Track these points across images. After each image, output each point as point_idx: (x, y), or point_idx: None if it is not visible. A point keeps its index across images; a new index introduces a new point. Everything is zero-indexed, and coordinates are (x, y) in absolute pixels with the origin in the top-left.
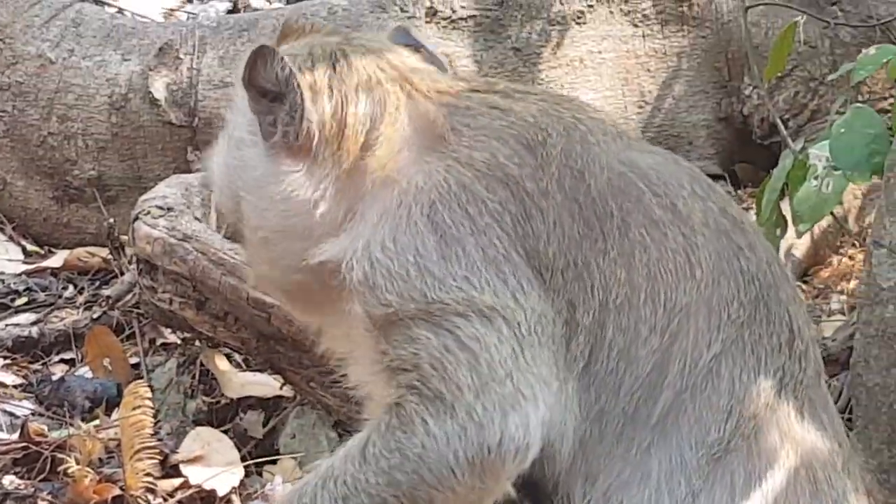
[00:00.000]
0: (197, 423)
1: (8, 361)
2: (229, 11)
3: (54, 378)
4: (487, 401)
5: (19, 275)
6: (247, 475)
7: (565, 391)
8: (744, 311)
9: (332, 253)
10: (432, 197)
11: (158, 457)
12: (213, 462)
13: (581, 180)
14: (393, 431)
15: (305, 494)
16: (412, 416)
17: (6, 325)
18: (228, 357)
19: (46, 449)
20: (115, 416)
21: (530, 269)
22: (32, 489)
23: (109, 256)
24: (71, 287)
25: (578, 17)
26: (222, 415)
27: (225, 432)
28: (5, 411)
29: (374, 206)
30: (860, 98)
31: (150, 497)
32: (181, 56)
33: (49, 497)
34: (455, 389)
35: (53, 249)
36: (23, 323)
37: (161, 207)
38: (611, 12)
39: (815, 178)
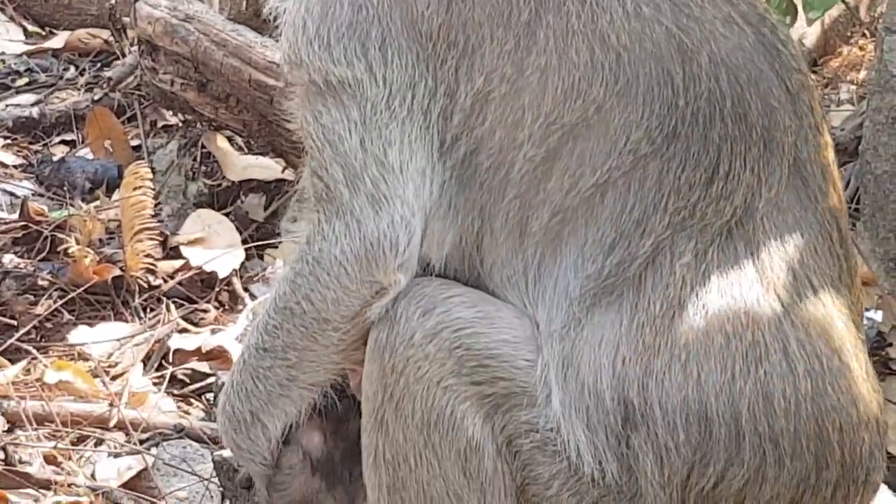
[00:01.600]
0: (198, 205)
1: (8, 142)
2: None
3: (55, 159)
4: (358, 197)
5: (20, 55)
6: (247, 258)
7: (436, 169)
8: (649, 143)
9: None
10: None
11: (159, 238)
12: (214, 244)
13: None
14: (302, 245)
15: (245, 353)
16: (316, 225)
17: (7, 106)
18: (230, 140)
19: (46, 229)
20: (115, 197)
21: (407, 36)
22: (32, 268)
23: (111, 38)
24: (72, 68)
25: None
26: (223, 197)
27: (226, 215)
28: (5, 191)
29: None
30: None
31: (150, 278)
32: None
33: (49, 276)
34: (332, 183)
35: (54, 30)
36: (23, 103)
37: None
38: None
39: None
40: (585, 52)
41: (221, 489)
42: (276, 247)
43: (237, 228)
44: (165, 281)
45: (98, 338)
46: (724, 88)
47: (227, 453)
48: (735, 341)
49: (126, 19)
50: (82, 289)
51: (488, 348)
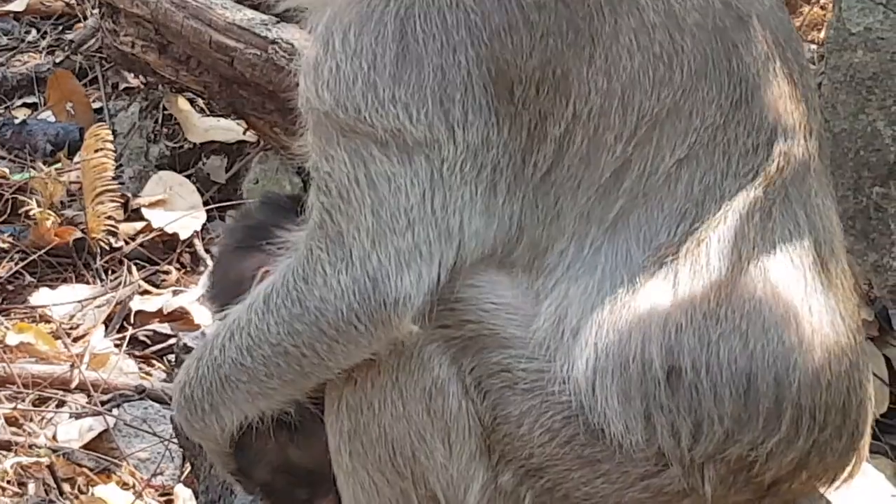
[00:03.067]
0: (160, 167)
1: None
2: None
3: (16, 121)
4: (383, 252)
5: None
6: (209, 220)
7: (498, 215)
8: (721, 114)
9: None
10: None
11: (120, 200)
12: (176, 206)
13: None
14: (295, 281)
15: (216, 346)
16: (315, 264)
17: None
18: (192, 102)
19: (8, 191)
20: (76, 159)
21: (490, 92)
22: None
23: (72, 0)
24: (34, 31)
25: None
26: (185, 159)
27: (188, 177)
28: None
29: None
30: None
31: (112, 240)
32: None
33: (10, 239)
34: (354, 231)
35: None
36: None
37: None
38: None
39: None
40: (666, 41)
41: (182, 449)
42: (238, 208)
43: (199, 190)
44: (127, 243)
45: (59, 300)
46: (773, 49)
47: None
48: (792, 312)
49: None
50: (44, 251)
51: (453, 292)
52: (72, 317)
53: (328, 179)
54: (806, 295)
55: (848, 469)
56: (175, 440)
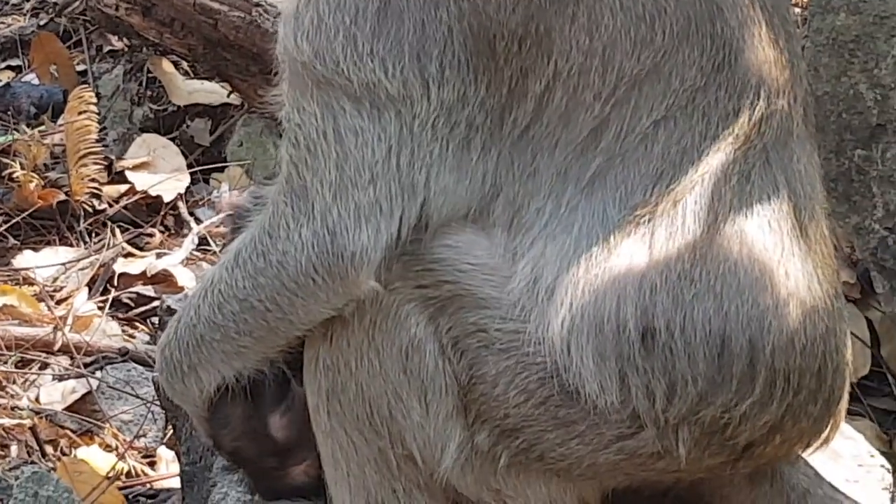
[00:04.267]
0: (144, 130)
1: None
2: None
3: (0, 84)
4: (343, 206)
5: None
6: (193, 182)
7: (471, 171)
8: (702, 76)
9: None
10: None
11: (104, 163)
12: (160, 169)
13: None
14: (261, 235)
15: (192, 306)
16: (279, 218)
17: None
18: (176, 65)
19: None
20: (60, 121)
21: (469, 47)
22: None
23: None
24: None
25: None
26: (169, 122)
27: (172, 139)
28: None
29: None
30: None
31: (95, 202)
32: None
33: None
34: (318, 185)
35: None
36: None
37: None
38: None
39: None
40: (650, 1)
41: (164, 411)
42: (222, 171)
43: (182, 153)
44: (110, 205)
45: (43, 262)
46: (759, 14)
47: None
48: (767, 275)
49: None
50: (27, 213)
51: (431, 253)
52: (55, 279)
53: (297, 131)
54: (783, 258)
55: (824, 434)
56: (157, 402)
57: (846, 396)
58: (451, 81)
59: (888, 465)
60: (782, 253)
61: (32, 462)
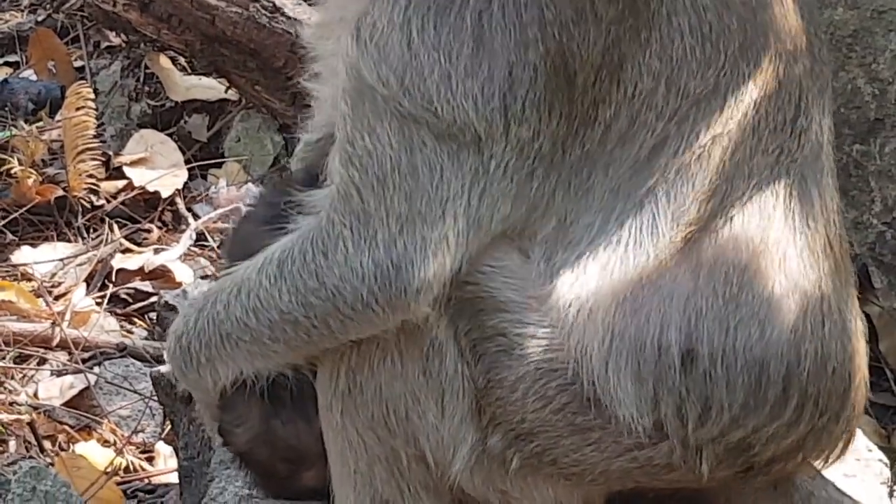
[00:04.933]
0: (141, 125)
1: None
2: None
3: None
4: (410, 239)
5: None
6: (191, 178)
7: (530, 197)
8: (756, 91)
9: None
10: None
11: (102, 158)
12: (157, 164)
13: None
14: (314, 253)
15: (219, 301)
16: (336, 240)
17: None
18: (173, 61)
19: None
20: (58, 117)
21: (551, 85)
22: None
23: None
24: None
25: None
26: (167, 118)
27: (169, 135)
28: None
29: None
30: None
31: (93, 198)
32: None
33: None
34: (384, 213)
35: None
36: None
37: None
38: None
39: None
40: (715, 21)
41: (162, 407)
42: (220, 167)
43: (180, 148)
44: (108, 201)
45: (41, 258)
46: (795, 24)
47: (164, 369)
48: (806, 299)
49: None
50: (25, 209)
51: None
52: (53, 275)
53: (364, 155)
54: (820, 281)
55: (839, 448)
56: (155, 398)
57: (862, 411)
58: (529, 120)
59: (886, 460)
60: (819, 273)
61: (31, 457)
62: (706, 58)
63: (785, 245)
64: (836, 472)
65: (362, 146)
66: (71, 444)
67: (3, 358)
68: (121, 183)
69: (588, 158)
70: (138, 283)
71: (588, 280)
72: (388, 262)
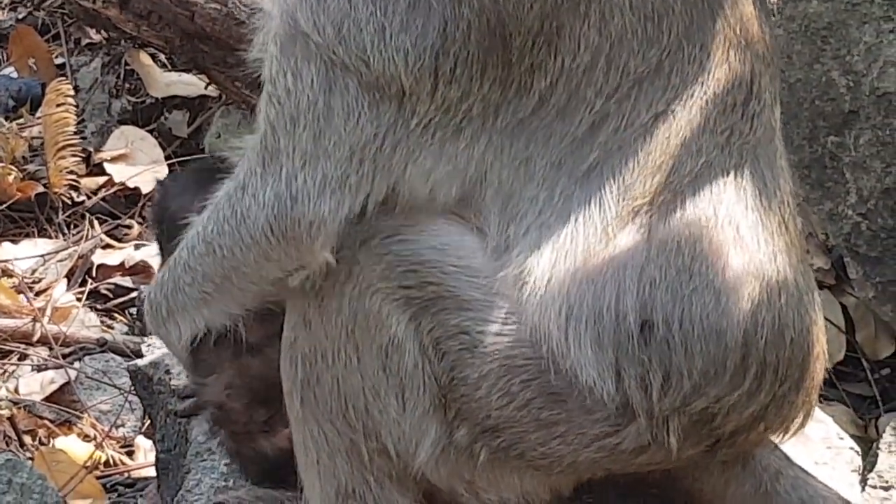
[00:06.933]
0: (122, 122)
1: None
2: None
3: None
4: (310, 174)
5: None
6: (171, 174)
7: (455, 156)
8: (702, 73)
9: None
10: None
11: (82, 155)
12: (138, 161)
13: None
14: (234, 187)
15: (180, 251)
16: (249, 175)
17: None
18: (153, 57)
19: None
20: (39, 114)
21: (484, 44)
22: None
23: None
24: None
25: None
26: (147, 114)
27: (150, 131)
28: None
29: None
30: None
31: (74, 194)
32: None
33: None
34: (291, 149)
35: None
36: None
37: None
38: None
39: None
40: (658, 1)
41: (141, 401)
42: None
43: (160, 145)
44: (89, 197)
45: (22, 254)
46: (748, 11)
47: (141, 363)
48: (761, 269)
49: None
50: (5, 205)
51: (416, 254)
52: (34, 271)
53: (283, 94)
54: (774, 253)
55: (800, 420)
56: (135, 392)
57: (820, 382)
58: (459, 80)
59: (857, 448)
60: (773, 248)
61: (11, 452)
62: (648, 37)
63: (738, 220)
64: (808, 460)
65: (283, 85)
66: (51, 439)
67: None
68: (101, 179)
69: (525, 128)
70: (119, 279)
71: (542, 255)
72: (287, 194)
